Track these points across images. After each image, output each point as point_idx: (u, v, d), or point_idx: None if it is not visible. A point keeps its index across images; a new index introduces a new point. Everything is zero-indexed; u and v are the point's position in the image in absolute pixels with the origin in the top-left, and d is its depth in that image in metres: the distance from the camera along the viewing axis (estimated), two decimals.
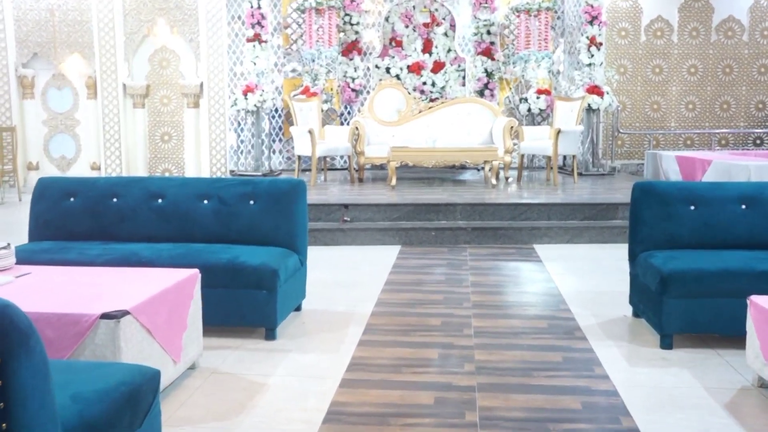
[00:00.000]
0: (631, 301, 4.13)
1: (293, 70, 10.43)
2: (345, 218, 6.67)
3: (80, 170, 11.00)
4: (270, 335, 3.76)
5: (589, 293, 4.79)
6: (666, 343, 3.59)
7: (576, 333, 3.93)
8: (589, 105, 9.30)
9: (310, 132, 8.10)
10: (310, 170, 9.74)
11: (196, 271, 3.26)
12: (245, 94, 9.37)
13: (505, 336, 3.88)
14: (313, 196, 7.22)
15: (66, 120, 10.94)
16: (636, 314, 4.13)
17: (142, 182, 4.35)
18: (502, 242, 6.48)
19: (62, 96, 10.88)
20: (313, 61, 9.92)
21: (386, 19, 10.61)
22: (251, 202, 4.15)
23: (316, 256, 5.97)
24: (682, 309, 3.54)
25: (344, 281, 5.15)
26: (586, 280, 5.21)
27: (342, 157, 9.97)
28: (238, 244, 4.08)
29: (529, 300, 4.66)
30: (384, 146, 8.57)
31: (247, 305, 3.72)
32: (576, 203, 6.81)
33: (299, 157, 8.62)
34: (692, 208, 3.95)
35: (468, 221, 6.69)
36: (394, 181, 7.94)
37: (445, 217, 6.71)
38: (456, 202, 6.82)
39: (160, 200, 4.21)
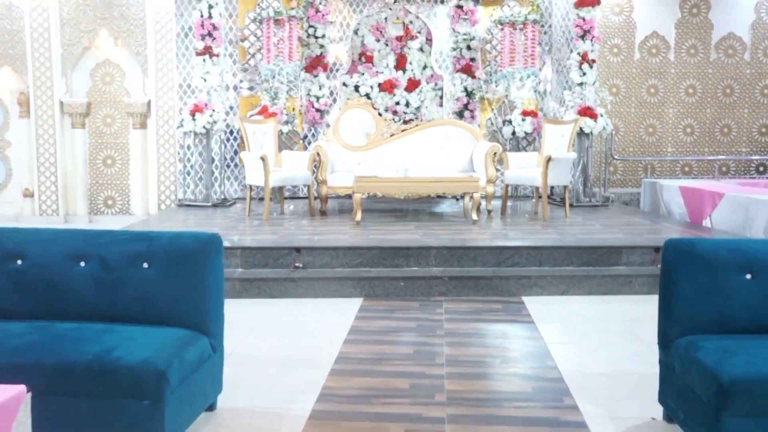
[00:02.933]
0: (663, 401, 3.03)
1: (250, 88, 9.32)
2: (296, 264, 5.55)
3: (11, 197, 9.78)
4: None
5: (599, 376, 3.69)
6: None
7: None
8: (581, 129, 8.29)
9: (263, 158, 6.98)
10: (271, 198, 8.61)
11: (20, 389, 2.12)
12: (193, 114, 8.24)
13: None
14: (261, 236, 6.11)
15: None
16: (669, 418, 3.04)
17: None
18: (484, 293, 5.39)
19: None
20: (274, 77, 8.82)
21: (355, 32, 9.56)
22: (145, 265, 3.02)
23: (257, 312, 4.85)
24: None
25: (284, 356, 4.01)
26: (592, 353, 4.11)
27: (302, 186, 8.82)
28: (126, 323, 2.94)
29: (521, 389, 3.54)
30: (350, 174, 7.48)
31: (121, 422, 2.58)
32: (572, 246, 5.74)
33: (250, 187, 7.48)
34: (748, 276, 2.88)
35: (444, 267, 5.59)
36: (359, 216, 6.84)
37: (417, 263, 5.61)
38: (430, 244, 5.72)
39: (18, 261, 3.06)
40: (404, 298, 5.34)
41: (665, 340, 2.97)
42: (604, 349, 4.19)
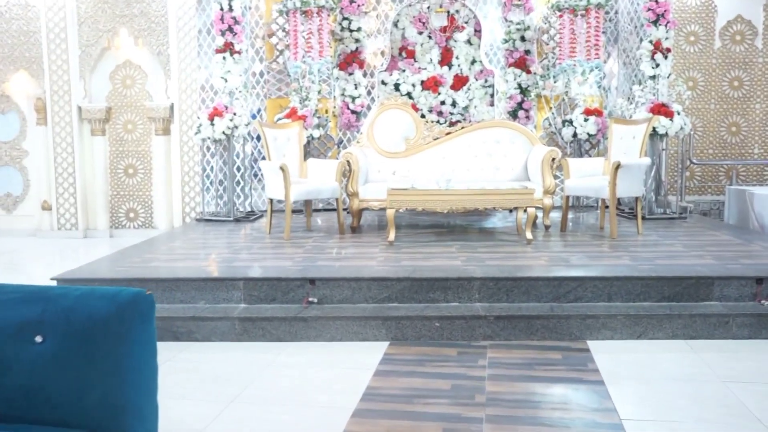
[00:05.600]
0: None
1: (279, 89, 8.43)
2: (310, 299, 4.59)
3: (29, 210, 9.15)
4: None
5: None
6: None
7: None
8: (654, 129, 7.11)
9: (282, 168, 6.06)
10: (298, 212, 7.73)
11: None
12: (211, 118, 7.38)
13: None
14: (273, 262, 5.20)
15: (11, 150, 9.14)
16: None
17: None
18: (540, 337, 4.33)
19: (6, 121, 9.09)
20: (304, 76, 7.91)
21: (395, 24, 8.57)
22: (37, 339, 2.09)
23: (255, 363, 3.93)
24: None
25: None
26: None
27: (332, 199, 7.81)
28: (6, 426, 2.03)
29: None
30: (386, 185, 6.49)
31: None
32: (650, 276, 4.62)
33: (271, 201, 6.57)
34: None
35: (490, 303, 4.55)
36: (392, 235, 5.85)
37: (456, 297, 4.59)
38: (473, 274, 4.69)
39: None
40: (439, 342, 4.32)
41: None
42: (703, 425, 3.09)
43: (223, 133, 7.37)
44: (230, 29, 7.50)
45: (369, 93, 8.45)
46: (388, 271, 4.83)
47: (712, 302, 4.53)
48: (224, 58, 7.51)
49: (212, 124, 7.36)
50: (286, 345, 4.33)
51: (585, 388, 3.55)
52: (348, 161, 6.64)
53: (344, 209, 7.05)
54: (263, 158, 8.28)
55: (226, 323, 4.42)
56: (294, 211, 7.92)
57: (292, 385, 3.69)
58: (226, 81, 7.55)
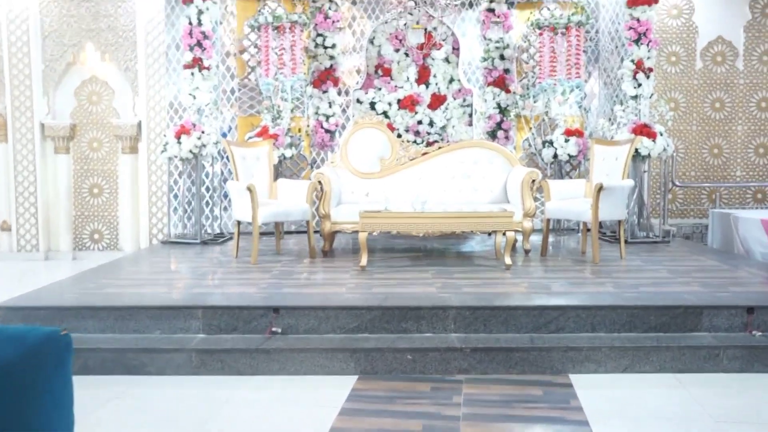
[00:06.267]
0: None
1: (251, 107, 8.15)
2: (273, 329, 4.28)
3: None
4: None
5: None
6: None
7: None
8: (636, 150, 6.91)
9: (249, 189, 5.76)
10: (269, 234, 7.42)
11: None
12: (178, 136, 7.07)
13: None
14: (236, 288, 4.88)
15: None
16: None
17: None
18: (519, 370, 4.04)
19: None
20: (277, 94, 7.62)
21: (371, 41, 8.34)
22: None
23: (211, 400, 3.60)
24: None
25: None
26: None
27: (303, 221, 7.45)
28: None
29: None
30: (359, 207, 6.22)
31: None
32: (634, 306, 4.36)
33: (239, 224, 6.25)
34: None
35: (466, 334, 4.26)
36: (364, 260, 5.55)
37: (430, 327, 4.29)
38: (449, 302, 4.40)
39: None
40: (411, 376, 4.02)
41: None
42: None
43: (191, 151, 7.05)
44: (199, 44, 7.22)
45: (344, 112, 8.18)
46: (358, 299, 4.53)
47: (701, 333, 4.27)
48: (192, 74, 7.22)
49: (179, 143, 7.05)
50: (247, 379, 4.00)
51: (568, 430, 3.26)
52: (320, 182, 6.35)
53: (316, 232, 6.76)
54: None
55: (182, 355, 4.09)
56: (264, 234, 7.63)
57: (250, 425, 3.36)
58: (194, 98, 7.25)
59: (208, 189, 7.70)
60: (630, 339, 4.20)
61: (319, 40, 7.90)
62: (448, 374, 4.03)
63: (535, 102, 8.00)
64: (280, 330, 4.26)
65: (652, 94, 7.28)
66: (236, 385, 3.91)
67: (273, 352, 4.08)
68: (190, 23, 7.22)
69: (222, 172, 7.93)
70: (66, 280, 5.44)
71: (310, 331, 4.29)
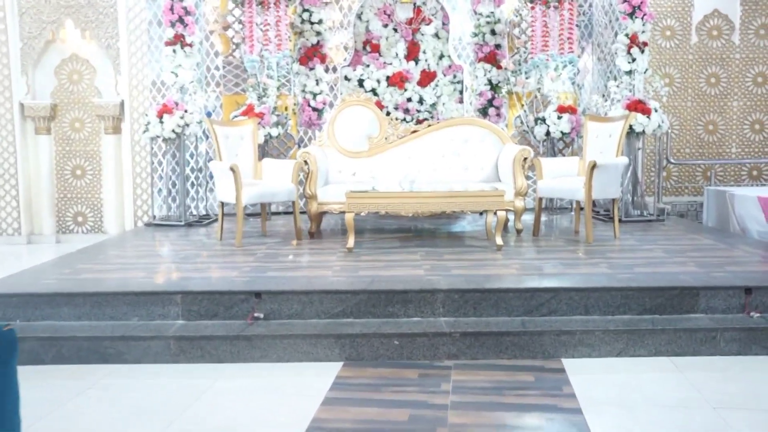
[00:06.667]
0: None
1: (236, 84, 7.93)
2: (255, 315, 4.12)
3: None
4: None
5: None
6: None
7: None
8: (631, 127, 6.74)
9: (233, 169, 5.58)
10: (254, 216, 7.26)
11: None
12: (160, 115, 6.86)
13: None
14: (218, 272, 4.72)
15: None
16: None
17: None
18: (510, 355, 3.90)
19: None
20: (262, 71, 7.42)
21: (358, 17, 8.11)
22: None
23: (189, 388, 3.47)
24: None
25: None
26: None
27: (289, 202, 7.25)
28: None
29: None
30: (347, 187, 6.05)
31: None
32: (628, 287, 4.22)
33: (222, 205, 6.08)
34: None
35: (455, 318, 4.12)
36: (351, 242, 5.39)
37: (418, 311, 4.15)
38: (437, 285, 4.25)
39: None
40: (398, 362, 3.87)
41: None
42: None
43: (173, 131, 6.86)
44: (181, 20, 7.00)
45: (332, 89, 7.98)
46: (344, 283, 4.38)
47: (698, 315, 4.14)
48: (174, 51, 7.01)
49: (161, 122, 6.85)
50: (227, 367, 3.85)
51: (560, 419, 3.13)
52: (306, 161, 6.17)
53: (303, 213, 6.59)
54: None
55: (159, 343, 3.93)
56: (250, 215, 7.48)
57: (229, 416, 3.22)
58: (176, 76, 7.04)
59: (193, 170, 7.52)
60: (624, 322, 4.06)
61: (306, 15, 7.67)
62: (436, 360, 3.89)
63: (527, 78, 7.81)
64: (262, 315, 4.11)
65: (646, 70, 7.10)
66: (216, 373, 3.76)
67: (255, 338, 3.93)
68: None
69: (207, 152, 7.73)
70: (42, 265, 5.26)
71: (293, 316, 4.14)
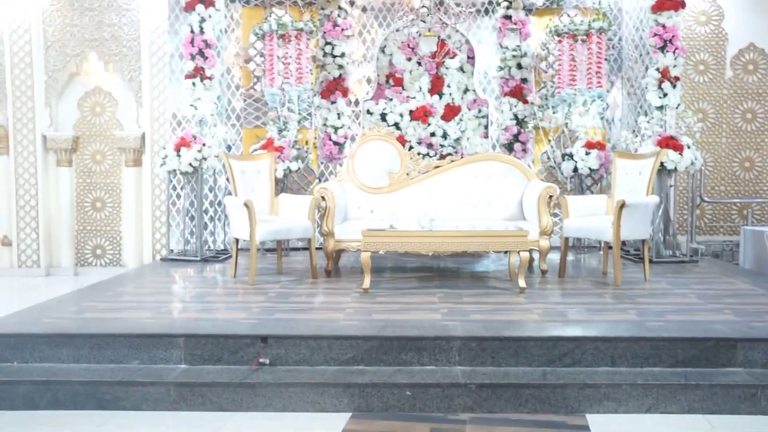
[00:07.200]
0: None
1: (257, 118, 7.84)
2: (261, 360, 3.91)
3: None
4: None
5: None
6: None
7: None
8: (662, 164, 6.47)
9: (246, 205, 5.42)
10: (271, 251, 7.09)
11: None
12: (178, 149, 6.77)
13: None
14: (223, 314, 4.53)
15: None
16: None
17: None
18: (530, 409, 3.63)
19: None
20: (283, 105, 7.31)
21: (382, 50, 7.99)
22: None
23: None
24: None
25: None
26: None
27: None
28: None
29: None
30: (366, 224, 5.86)
31: None
32: (659, 337, 3.93)
33: (237, 241, 5.92)
34: None
35: (472, 367, 3.87)
36: (367, 282, 5.18)
37: (432, 359, 3.90)
38: (453, 332, 4.01)
39: None
40: (410, 415, 3.62)
41: None
42: None
43: (190, 164, 6.75)
44: (201, 53, 6.93)
45: (353, 123, 7.83)
46: (355, 327, 4.16)
47: (736, 369, 3.83)
48: (194, 84, 6.93)
49: (179, 156, 6.75)
50: (229, 416, 3.64)
51: None
52: (323, 197, 6.00)
53: (321, 249, 6.40)
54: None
55: (159, 389, 3.74)
56: (268, 250, 7.31)
57: None
58: (195, 109, 6.95)
59: (212, 203, 7.40)
60: (654, 375, 3.77)
61: (328, 48, 7.58)
62: (450, 413, 3.63)
63: (554, 113, 7.60)
64: (267, 361, 3.90)
65: (678, 105, 6.84)
66: (216, 423, 3.54)
67: (259, 386, 3.71)
68: (192, 31, 6.93)
69: (226, 186, 7.61)
70: (48, 302, 5.12)
71: (300, 362, 3.92)
